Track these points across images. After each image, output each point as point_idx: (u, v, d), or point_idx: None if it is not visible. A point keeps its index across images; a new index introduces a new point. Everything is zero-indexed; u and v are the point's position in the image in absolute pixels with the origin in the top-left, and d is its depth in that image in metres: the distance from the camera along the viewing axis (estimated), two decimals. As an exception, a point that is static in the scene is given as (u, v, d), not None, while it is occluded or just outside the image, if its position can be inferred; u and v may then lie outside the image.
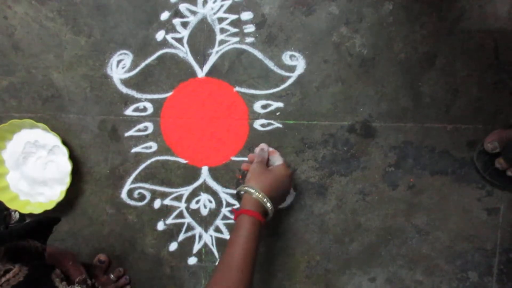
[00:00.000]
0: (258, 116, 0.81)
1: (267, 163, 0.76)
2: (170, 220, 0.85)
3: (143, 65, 0.80)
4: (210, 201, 0.84)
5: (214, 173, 0.83)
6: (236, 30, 0.78)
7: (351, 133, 0.80)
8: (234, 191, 0.83)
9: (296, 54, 0.78)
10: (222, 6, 0.78)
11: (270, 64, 0.79)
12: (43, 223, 0.65)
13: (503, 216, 0.81)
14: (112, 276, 0.84)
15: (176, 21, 0.79)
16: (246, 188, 0.67)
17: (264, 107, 0.80)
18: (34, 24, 0.80)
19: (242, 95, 0.80)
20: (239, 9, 0.77)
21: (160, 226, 0.86)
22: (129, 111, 0.82)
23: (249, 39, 0.78)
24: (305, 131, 0.81)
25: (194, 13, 0.78)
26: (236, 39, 0.79)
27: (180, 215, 0.85)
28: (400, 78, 0.78)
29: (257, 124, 0.81)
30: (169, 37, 0.79)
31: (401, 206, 0.82)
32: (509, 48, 0.76)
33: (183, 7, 0.78)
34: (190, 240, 0.86)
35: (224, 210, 0.85)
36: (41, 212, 0.82)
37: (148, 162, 0.83)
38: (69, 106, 0.82)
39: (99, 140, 0.83)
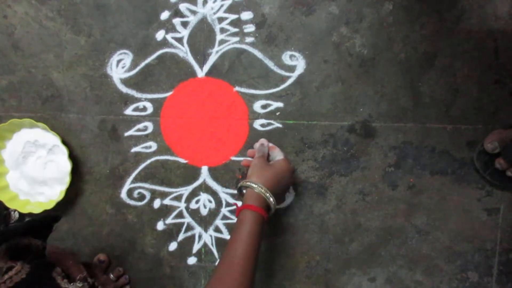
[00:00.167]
0: (258, 116, 0.81)
1: (267, 158, 0.76)
2: (169, 220, 0.85)
3: (143, 64, 0.80)
4: (210, 201, 0.84)
5: (214, 173, 0.83)
6: (236, 30, 0.78)
7: (351, 133, 0.80)
8: (234, 191, 0.83)
9: (296, 54, 0.78)
10: (222, 5, 0.78)
11: (270, 64, 0.79)
12: (44, 221, 0.65)
13: (503, 216, 0.81)
14: (111, 275, 0.84)
15: (176, 21, 0.79)
16: (248, 183, 0.67)
17: (264, 107, 0.80)
18: (34, 24, 0.80)
19: (242, 95, 0.80)
20: (239, 9, 0.77)
21: (160, 226, 0.86)
22: (129, 111, 0.82)
23: (249, 39, 0.78)
24: (305, 131, 0.81)
25: (194, 12, 0.78)
26: (236, 39, 0.79)
27: (180, 215, 0.85)
28: (400, 78, 0.78)
29: (257, 124, 0.81)
30: (169, 36, 0.79)
31: (401, 206, 0.82)
32: (509, 48, 0.76)
33: (183, 6, 0.78)
34: (190, 240, 0.86)
35: (224, 210, 0.85)
36: (41, 212, 0.82)
37: (148, 161, 0.83)
38: (69, 106, 0.82)
39: (99, 140, 0.83)
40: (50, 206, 0.81)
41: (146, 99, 0.81)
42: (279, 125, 0.81)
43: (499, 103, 0.78)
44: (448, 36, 0.76)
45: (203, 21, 0.79)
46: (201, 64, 0.80)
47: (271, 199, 0.66)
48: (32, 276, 0.55)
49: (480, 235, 0.82)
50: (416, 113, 0.79)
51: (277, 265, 0.86)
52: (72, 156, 0.82)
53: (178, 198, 0.84)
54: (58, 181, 0.82)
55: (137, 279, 0.87)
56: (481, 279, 0.84)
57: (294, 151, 0.81)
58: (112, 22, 0.79)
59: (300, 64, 0.79)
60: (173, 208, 0.85)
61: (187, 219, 0.85)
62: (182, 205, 0.85)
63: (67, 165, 0.79)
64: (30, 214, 0.83)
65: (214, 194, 0.84)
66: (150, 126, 0.82)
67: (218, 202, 0.84)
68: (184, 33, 0.79)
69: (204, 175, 0.84)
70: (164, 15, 0.78)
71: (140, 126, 0.82)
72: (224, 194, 0.84)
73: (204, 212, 0.85)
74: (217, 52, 0.79)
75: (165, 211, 0.85)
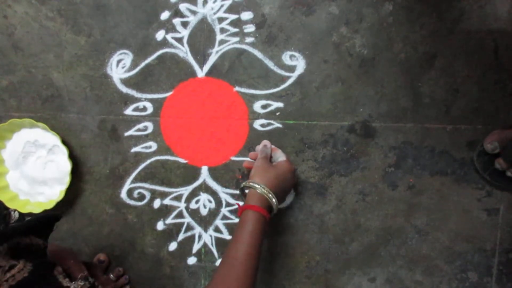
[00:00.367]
0: (258, 116, 0.81)
1: (269, 159, 0.76)
2: (169, 220, 0.85)
3: (143, 64, 0.80)
4: (210, 201, 0.84)
5: (214, 173, 0.83)
6: (236, 30, 0.78)
7: (351, 133, 0.80)
8: (234, 191, 0.83)
9: (296, 54, 0.78)
10: (222, 6, 0.78)
11: (270, 64, 0.79)
12: (45, 220, 0.65)
13: (503, 216, 0.81)
14: (111, 275, 0.84)
15: (176, 21, 0.79)
16: (251, 183, 0.67)
17: (264, 107, 0.80)
18: (34, 24, 0.80)
19: (242, 95, 0.81)
20: (239, 9, 0.77)
21: (160, 226, 0.86)
22: (129, 111, 0.82)
23: (249, 39, 0.78)
24: (305, 131, 0.81)
25: (194, 13, 0.78)
26: (236, 39, 0.79)
27: (180, 215, 0.85)
28: (400, 78, 0.78)
29: (257, 124, 0.81)
30: (169, 36, 0.79)
31: (401, 207, 0.82)
32: (509, 49, 0.76)
33: (183, 6, 0.78)
34: (190, 240, 0.86)
35: (224, 210, 0.85)
36: (41, 212, 0.82)
37: (148, 161, 0.83)
38: (69, 106, 0.82)
39: (99, 140, 0.83)
40: (50, 206, 0.81)
41: (146, 99, 0.81)
42: (279, 125, 0.81)
43: (499, 103, 0.78)
44: (448, 36, 0.76)
45: (203, 21, 0.79)
46: (201, 64, 0.80)
47: (274, 200, 0.67)
48: (34, 274, 0.55)
49: (480, 235, 0.82)
50: (416, 113, 0.79)
51: (277, 265, 0.86)
52: (72, 156, 0.82)
53: (178, 198, 0.84)
54: (58, 181, 0.82)
55: (137, 279, 0.88)
56: (480, 279, 0.84)
57: (294, 151, 0.82)
58: (112, 22, 0.79)
59: (300, 64, 0.79)
60: (173, 208, 0.85)
61: (187, 219, 0.85)
62: (182, 205, 0.85)
63: (67, 165, 0.79)
64: (30, 214, 0.83)
65: (214, 194, 0.84)
66: (150, 126, 0.82)
67: (218, 202, 0.84)
68: (184, 33, 0.79)
69: (204, 175, 0.84)
70: (164, 15, 0.78)
71: (140, 126, 0.82)
72: (224, 194, 0.84)
73: (204, 212, 0.85)
74: (217, 52, 0.79)
75: (165, 211, 0.85)
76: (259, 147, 0.78)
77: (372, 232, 0.84)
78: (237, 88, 0.80)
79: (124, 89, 0.81)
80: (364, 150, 0.81)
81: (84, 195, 0.86)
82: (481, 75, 0.77)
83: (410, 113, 0.79)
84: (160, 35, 0.79)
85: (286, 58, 0.79)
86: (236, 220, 0.84)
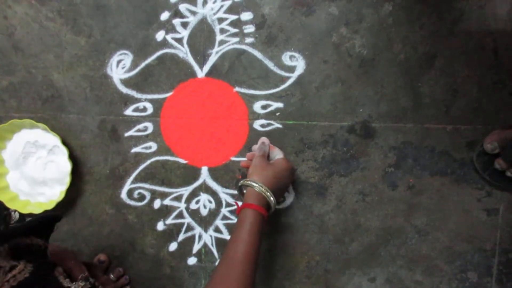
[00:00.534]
0: (258, 116, 0.81)
1: (267, 157, 0.76)
2: (170, 220, 0.85)
3: (143, 65, 0.80)
4: (210, 201, 0.84)
5: (214, 173, 0.84)
6: (236, 30, 0.78)
7: (350, 133, 0.80)
8: (234, 191, 0.84)
9: (296, 54, 0.78)
10: (222, 6, 0.78)
11: (270, 65, 0.79)
12: (45, 221, 0.65)
13: (503, 216, 0.81)
14: (112, 276, 0.84)
15: (176, 21, 0.79)
16: (248, 182, 0.67)
17: (264, 107, 0.81)
18: (34, 24, 0.80)
19: (242, 96, 0.81)
20: (239, 9, 0.78)
21: (160, 226, 0.86)
22: (129, 111, 0.82)
23: (249, 40, 0.78)
24: (304, 131, 0.81)
25: (194, 13, 0.78)
26: (236, 39, 0.79)
27: (180, 215, 0.85)
28: (399, 78, 0.78)
29: (257, 124, 0.81)
30: (169, 37, 0.79)
31: (401, 207, 0.82)
32: (509, 49, 0.76)
33: (183, 7, 0.78)
34: (190, 240, 0.86)
35: (224, 210, 0.85)
36: (41, 212, 0.82)
37: (148, 162, 0.83)
38: (69, 106, 0.82)
39: (99, 140, 0.83)
40: (50, 206, 0.81)
41: (146, 100, 0.82)
42: (279, 126, 0.81)
43: (498, 104, 0.78)
44: (447, 36, 0.76)
45: (203, 22, 0.79)
46: (201, 65, 0.80)
47: (272, 198, 0.67)
48: (35, 275, 0.55)
49: (479, 235, 0.82)
50: (415, 114, 0.79)
51: (277, 265, 0.86)
52: (72, 157, 0.82)
53: (178, 198, 0.84)
54: (58, 181, 0.82)
55: (137, 279, 0.88)
56: (480, 279, 0.84)
57: (294, 152, 0.82)
58: (112, 23, 0.79)
59: (300, 64, 0.79)
60: (173, 208, 0.85)
61: (187, 220, 0.85)
62: (182, 205, 0.85)
63: (67, 166, 0.80)
64: (30, 215, 0.83)
65: (214, 194, 0.84)
66: (150, 126, 0.82)
67: (218, 203, 0.84)
68: (184, 33, 0.79)
69: (204, 175, 0.84)
70: (164, 15, 0.79)
71: (140, 126, 0.82)
72: (224, 194, 0.84)
73: (204, 212, 0.85)
74: (217, 52, 0.79)
75: (165, 211, 0.85)
76: (255, 147, 0.78)
77: (372, 232, 0.84)
78: (237, 89, 0.80)
79: (124, 90, 0.81)
80: (364, 150, 0.81)
81: (84, 195, 0.86)
82: (481, 75, 0.77)
83: (410, 113, 0.79)
84: (160, 35, 0.79)
85: (286, 58, 0.79)
86: (236, 219, 0.84)
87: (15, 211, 0.85)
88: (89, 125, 0.83)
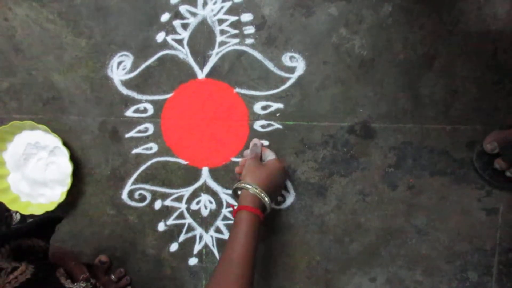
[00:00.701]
0: (258, 117, 0.81)
1: (260, 159, 0.77)
2: (170, 221, 0.86)
3: (143, 66, 0.81)
4: (211, 202, 0.85)
5: (215, 174, 0.84)
6: (236, 31, 0.79)
7: (350, 134, 0.81)
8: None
9: (296, 55, 0.79)
10: (222, 7, 0.78)
11: (270, 66, 0.79)
12: (46, 222, 0.66)
13: (502, 216, 0.82)
14: (113, 276, 0.84)
15: (176, 23, 0.79)
16: (242, 184, 0.68)
17: (264, 108, 0.81)
18: (35, 26, 0.80)
19: (242, 96, 0.81)
20: (239, 10, 0.78)
21: (161, 227, 0.86)
22: (129, 112, 0.82)
23: (249, 41, 0.79)
24: (305, 132, 0.81)
25: (194, 14, 0.79)
26: (236, 40, 0.79)
27: (181, 216, 0.85)
28: (399, 79, 0.78)
29: (257, 125, 0.81)
30: (169, 38, 0.79)
31: (401, 207, 0.83)
32: (508, 49, 0.76)
33: (183, 8, 0.78)
34: (191, 241, 0.86)
35: (225, 211, 0.85)
36: (42, 213, 0.82)
37: (149, 163, 0.84)
38: (70, 108, 0.83)
39: (99, 141, 0.84)
40: (51, 207, 0.81)
41: (146, 101, 0.82)
42: (279, 126, 0.81)
43: (498, 104, 0.78)
44: (447, 37, 0.76)
45: (203, 23, 0.79)
46: (201, 66, 0.80)
47: (266, 199, 0.67)
48: (37, 276, 0.55)
49: (479, 235, 0.83)
50: (415, 114, 0.79)
51: (277, 265, 0.86)
52: (73, 158, 0.82)
53: (179, 199, 0.85)
54: (59, 182, 0.82)
55: (138, 280, 0.88)
56: (480, 279, 0.84)
57: (294, 152, 0.82)
58: (112, 24, 0.79)
59: (300, 65, 0.79)
60: (174, 209, 0.85)
61: (188, 220, 0.85)
62: (183, 206, 0.85)
63: (68, 167, 0.80)
64: (31, 216, 0.84)
65: (214, 195, 0.84)
66: (150, 127, 0.83)
67: (219, 203, 0.85)
68: (184, 35, 0.79)
69: (205, 176, 0.84)
70: (165, 17, 0.79)
71: (141, 127, 0.83)
72: (225, 195, 0.84)
73: (204, 213, 0.85)
74: (217, 53, 0.80)
75: (166, 212, 0.85)
76: (247, 152, 0.78)
77: (372, 232, 0.84)
78: (237, 90, 0.81)
79: (125, 91, 0.81)
80: (364, 150, 0.81)
81: (85, 196, 0.86)
82: (480, 75, 0.77)
83: (410, 114, 0.79)
84: (160, 37, 0.79)
85: (286, 59, 0.79)
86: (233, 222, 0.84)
87: (16, 212, 0.85)
88: (90, 126, 0.83)
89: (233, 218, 0.84)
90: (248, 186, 0.67)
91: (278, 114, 0.81)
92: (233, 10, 0.78)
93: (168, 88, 0.81)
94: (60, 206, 0.82)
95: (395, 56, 0.77)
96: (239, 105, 0.81)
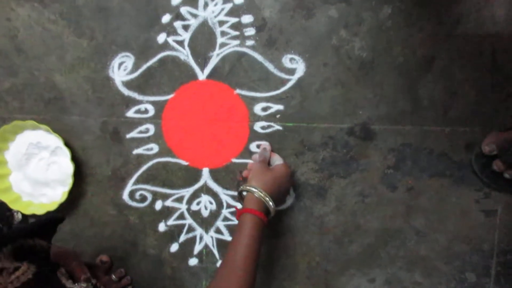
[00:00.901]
0: (258, 118, 0.82)
1: (268, 163, 0.77)
2: (171, 222, 0.86)
3: (144, 67, 0.81)
4: (211, 203, 0.85)
5: (215, 174, 0.84)
6: (236, 33, 0.79)
7: (350, 135, 0.81)
8: (235, 193, 0.84)
9: (296, 57, 0.79)
10: (223, 9, 0.78)
11: (270, 67, 0.80)
12: (48, 223, 0.66)
13: (501, 217, 0.82)
14: (113, 276, 0.84)
15: (177, 24, 0.79)
16: (248, 187, 0.68)
17: (264, 109, 0.81)
18: (37, 27, 0.81)
19: (242, 98, 0.81)
20: (240, 12, 0.78)
21: (161, 227, 0.86)
22: (130, 113, 0.83)
23: (250, 42, 0.79)
24: (305, 133, 0.81)
25: (195, 16, 0.79)
26: (237, 42, 0.79)
27: (181, 217, 0.86)
28: (398, 81, 0.79)
29: (257, 126, 0.82)
30: (170, 39, 0.80)
31: (400, 208, 0.83)
32: (506, 52, 0.76)
33: (184, 10, 0.79)
34: (191, 241, 0.87)
35: (225, 212, 0.85)
36: (44, 213, 0.82)
37: (150, 163, 0.84)
38: (71, 108, 0.83)
39: (101, 142, 0.84)
40: (52, 207, 0.82)
41: (147, 102, 0.82)
42: (279, 128, 0.82)
43: (496, 106, 0.78)
44: (446, 39, 0.77)
45: (204, 24, 0.79)
46: (202, 67, 0.81)
47: (271, 203, 0.67)
48: (38, 276, 0.55)
49: (478, 236, 0.83)
50: (414, 116, 0.80)
51: (277, 266, 0.87)
52: (74, 158, 0.82)
53: (179, 199, 0.85)
54: (61, 182, 0.83)
55: (138, 280, 0.88)
56: (479, 279, 0.85)
57: (294, 153, 0.82)
58: (114, 25, 0.80)
59: (300, 67, 0.79)
60: (174, 209, 0.86)
61: (188, 221, 0.86)
62: (183, 206, 0.85)
63: (69, 167, 0.80)
64: (33, 215, 0.84)
65: (215, 195, 0.85)
66: (151, 128, 0.83)
67: (219, 204, 0.85)
68: (185, 36, 0.80)
69: (205, 177, 0.84)
70: (166, 18, 0.79)
71: (142, 128, 0.83)
72: (225, 195, 0.85)
73: (205, 213, 0.85)
74: (218, 55, 0.80)
75: (167, 212, 0.86)
76: (256, 156, 0.79)
77: (371, 233, 0.84)
78: (237, 91, 0.81)
79: (126, 92, 0.82)
80: (364, 152, 0.82)
81: (87, 196, 0.86)
82: (478, 78, 0.77)
83: (409, 116, 0.80)
84: (161, 38, 0.80)
85: (286, 61, 0.79)
86: (237, 221, 0.84)
87: (17, 211, 0.85)
88: (91, 127, 0.84)
89: (233, 219, 0.85)
90: (254, 189, 0.68)
91: (278, 116, 0.81)
92: (234, 11, 0.78)
93: (169, 89, 0.82)
94: (62, 206, 0.82)
95: (395, 58, 0.78)
96: (239, 106, 0.81)
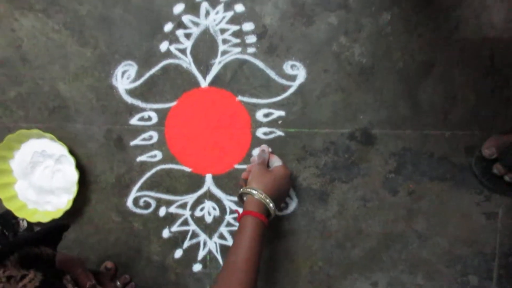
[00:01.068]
0: (260, 124, 0.82)
1: (267, 165, 0.78)
2: (175, 228, 0.87)
3: (147, 75, 0.82)
4: (214, 209, 0.86)
5: (218, 181, 0.85)
6: (238, 40, 0.80)
7: (351, 140, 0.82)
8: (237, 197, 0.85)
9: (297, 63, 0.80)
10: (224, 17, 0.79)
11: (272, 74, 0.80)
12: (54, 230, 0.67)
13: (502, 220, 0.82)
14: (118, 283, 0.84)
15: (180, 32, 0.80)
16: (248, 189, 0.69)
17: (266, 115, 0.82)
18: (41, 36, 0.82)
19: (244, 104, 0.82)
20: (241, 20, 0.79)
21: (165, 233, 0.87)
22: (134, 121, 0.84)
23: (251, 50, 0.80)
24: (306, 139, 0.82)
25: (197, 24, 0.80)
26: (238, 49, 0.80)
27: (185, 223, 0.86)
28: (398, 86, 0.79)
29: (260, 132, 0.83)
30: (172, 48, 0.81)
31: (401, 212, 0.84)
32: (505, 56, 0.77)
33: (186, 18, 0.80)
34: (195, 247, 0.87)
35: (228, 217, 0.86)
36: (49, 221, 0.83)
37: (153, 170, 0.85)
38: (76, 116, 0.84)
39: (105, 149, 0.85)
40: (57, 215, 0.83)
41: (151, 109, 0.83)
42: (281, 133, 0.82)
43: (496, 109, 0.79)
44: (445, 45, 0.77)
45: (205, 32, 0.80)
46: (204, 75, 0.82)
47: (271, 205, 0.68)
48: (45, 283, 0.56)
49: (479, 239, 0.83)
50: (414, 120, 0.80)
51: (280, 270, 0.87)
52: (79, 166, 0.83)
53: (183, 206, 0.86)
54: (66, 190, 0.83)
55: (143, 286, 0.89)
56: (481, 282, 0.85)
57: (296, 159, 0.83)
58: (117, 34, 0.81)
59: (300, 73, 0.80)
60: (178, 216, 0.86)
61: (192, 227, 0.86)
62: (187, 213, 0.86)
63: (74, 175, 0.81)
64: (38, 223, 0.85)
65: (218, 201, 0.86)
66: (155, 135, 0.84)
67: (222, 210, 0.86)
68: (187, 44, 0.81)
69: (208, 183, 0.85)
70: (168, 27, 0.80)
71: (145, 135, 0.84)
72: (228, 201, 0.85)
73: (208, 219, 0.86)
74: (219, 62, 0.81)
75: (171, 219, 0.86)
76: (254, 158, 0.79)
77: (373, 237, 0.85)
78: (239, 98, 0.82)
79: (129, 100, 0.83)
80: (365, 156, 0.82)
81: (91, 204, 0.87)
82: (478, 82, 0.78)
83: (409, 120, 0.80)
84: (164, 46, 0.81)
85: (287, 67, 0.80)
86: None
87: (23, 219, 0.86)
88: (95, 135, 0.84)
89: (237, 225, 0.85)
90: (254, 192, 0.68)
91: (280, 122, 0.82)
92: (235, 19, 0.79)
93: (172, 96, 0.83)
94: (67, 213, 0.83)
95: (394, 64, 0.79)
96: (241, 113, 0.82)
